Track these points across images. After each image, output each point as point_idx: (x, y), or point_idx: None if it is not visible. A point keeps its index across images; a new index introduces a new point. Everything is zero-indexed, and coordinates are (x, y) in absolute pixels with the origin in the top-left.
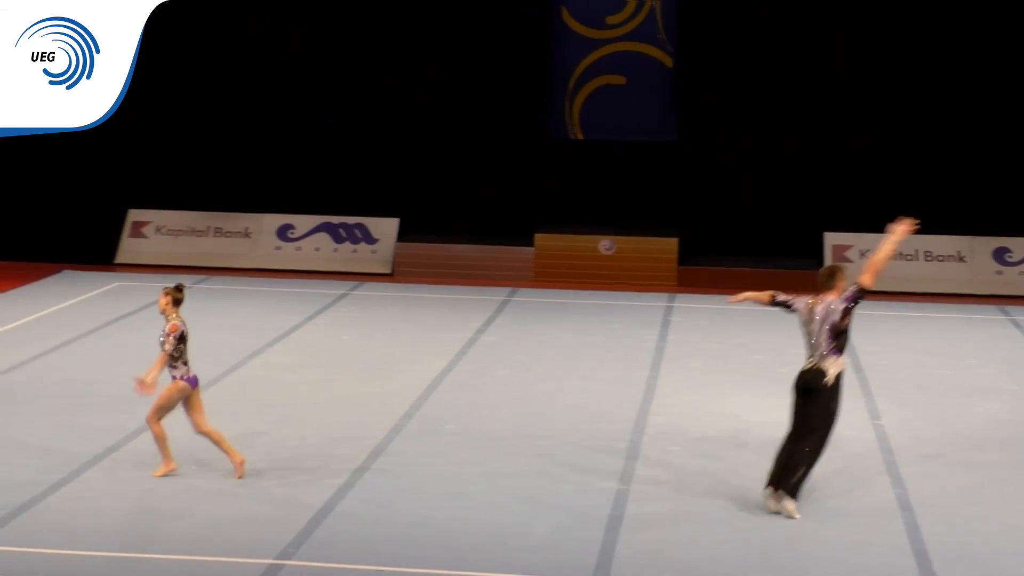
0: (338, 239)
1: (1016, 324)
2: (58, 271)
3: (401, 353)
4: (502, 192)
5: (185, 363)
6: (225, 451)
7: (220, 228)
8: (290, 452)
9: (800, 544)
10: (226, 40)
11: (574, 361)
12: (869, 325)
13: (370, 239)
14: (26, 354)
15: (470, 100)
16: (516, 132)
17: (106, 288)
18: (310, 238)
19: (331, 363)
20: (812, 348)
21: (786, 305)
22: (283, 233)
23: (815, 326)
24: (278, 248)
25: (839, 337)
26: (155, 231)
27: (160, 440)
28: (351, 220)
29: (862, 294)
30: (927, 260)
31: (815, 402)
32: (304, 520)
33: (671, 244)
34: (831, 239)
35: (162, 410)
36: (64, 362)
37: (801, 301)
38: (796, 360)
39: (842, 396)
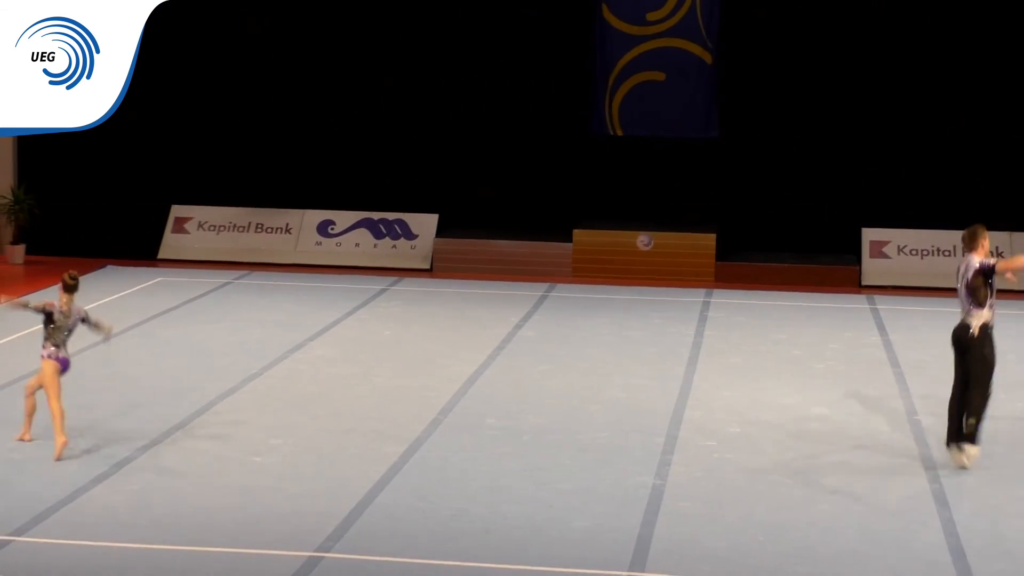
0: (378, 235)
1: None
2: (102, 266)
3: (440, 348)
4: (540, 188)
5: (55, 345)
6: (56, 429)
7: (261, 224)
8: (330, 445)
9: (836, 539)
10: (261, 34)
11: (612, 356)
12: (908, 320)
13: (409, 235)
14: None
15: (509, 96)
16: (555, 128)
17: (149, 283)
18: (350, 234)
19: (371, 358)
20: (960, 305)
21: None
22: (323, 229)
23: (960, 285)
24: (319, 244)
25: (975, 293)
26: (197, 227)
27: (28, 413)
28: (391, 216)
29: (992, 271)
30: None
31: (970, 354)
32: (344, 512)
33: (709, 240)
34: (869, 235)
35: (35, 386)
36: (107, 356)
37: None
38: (835, 356)
39: (995, 343)
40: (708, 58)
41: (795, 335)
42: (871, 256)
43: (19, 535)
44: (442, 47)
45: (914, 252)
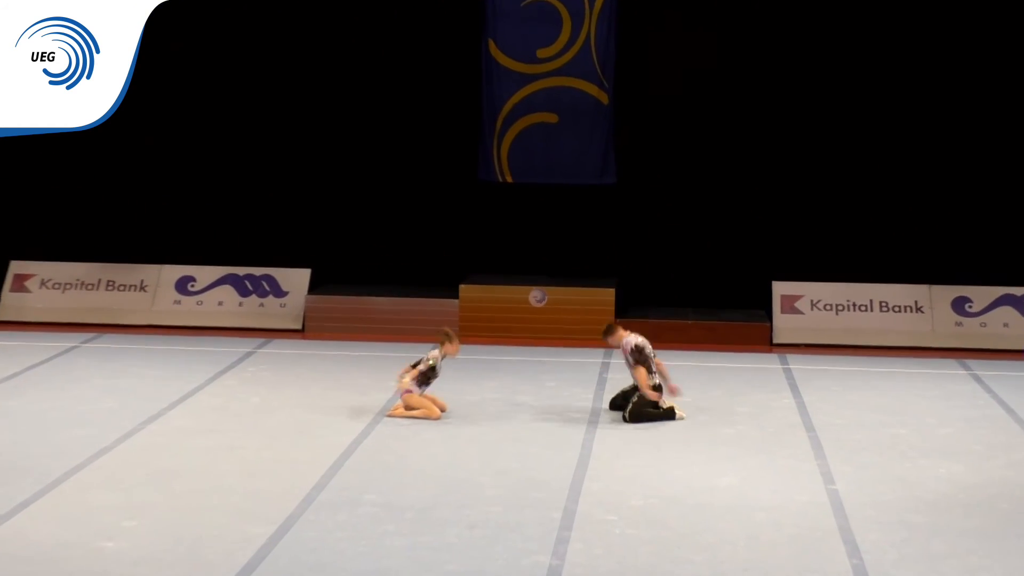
0: (244, 292)
1: (977, 379)
2: None
3: (314, 416)
4: (423, 239)
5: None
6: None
7: (113, 281)
8: (190, 526)
9: None
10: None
11: (504, 422)
12: (822, 380)
13: (279, 292)
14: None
15: (388, 139)
16: (439, 174)
17: None
18: (213, 291)
19: (236, 428)
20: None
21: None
22: (183, 286)
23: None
24: (177, 302)
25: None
26: (40, 284)
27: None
28: (257, 271)
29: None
30: (883, 311)
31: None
32: None
33: (608, 294)
34: (780, 288)
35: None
36: None
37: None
38: (744, 420)
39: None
40: (604, 98)
41: (701, 398)
42: (783, 312)
43: None
44: (314, 84)
45: (828, 307)
